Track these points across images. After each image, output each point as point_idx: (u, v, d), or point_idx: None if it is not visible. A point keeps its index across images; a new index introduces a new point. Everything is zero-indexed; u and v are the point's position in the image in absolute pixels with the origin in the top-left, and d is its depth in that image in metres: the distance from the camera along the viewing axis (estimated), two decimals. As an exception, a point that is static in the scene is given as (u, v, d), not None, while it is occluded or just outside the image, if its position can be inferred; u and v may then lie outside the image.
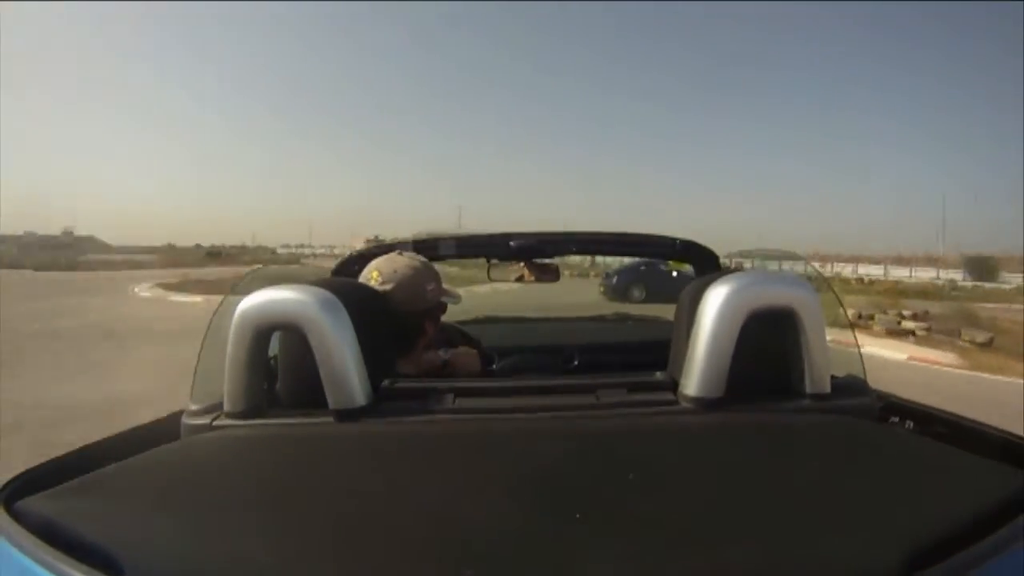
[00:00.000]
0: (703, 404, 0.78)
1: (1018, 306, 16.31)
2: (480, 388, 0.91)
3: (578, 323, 2.70)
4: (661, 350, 0.93)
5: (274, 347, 0.86)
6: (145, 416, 0.97)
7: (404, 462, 0.68)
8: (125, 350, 7.45)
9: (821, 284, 1.19)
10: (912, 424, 0.98)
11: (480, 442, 0.73)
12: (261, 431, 0.80)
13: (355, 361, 0.79)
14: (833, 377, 0.82)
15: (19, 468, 0.73)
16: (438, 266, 1.27)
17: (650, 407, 0.81)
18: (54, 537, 0.52)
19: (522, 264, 1.46)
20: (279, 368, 0.87)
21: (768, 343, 0.81)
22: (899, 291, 18.02)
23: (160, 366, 6.00)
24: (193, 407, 0.87)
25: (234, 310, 0.82)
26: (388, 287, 1.10)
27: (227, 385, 0.82)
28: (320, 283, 0.85)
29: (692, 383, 0.78)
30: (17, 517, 0.57)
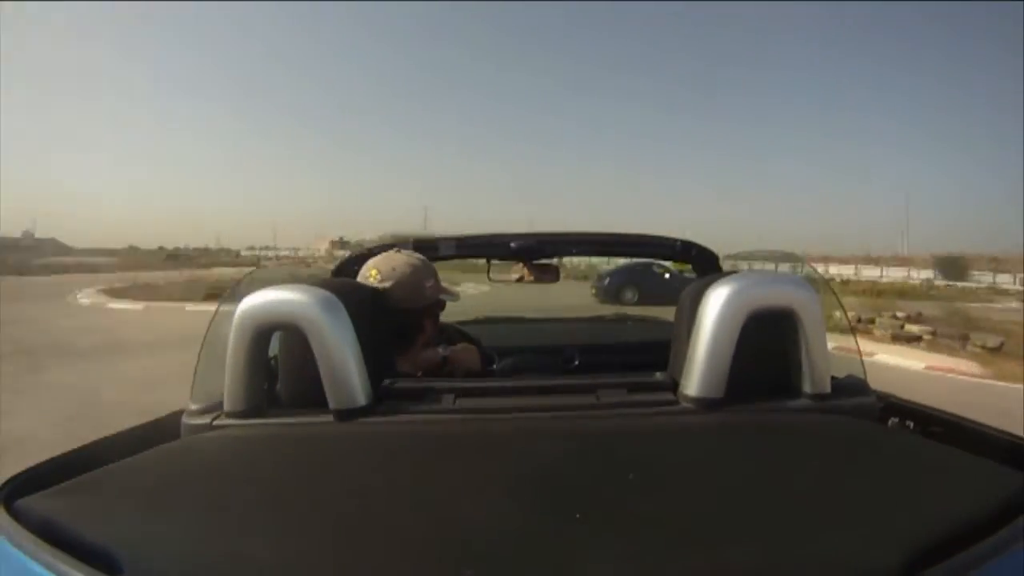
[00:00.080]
0: (703, 404, 0.78)
1: (998, 304, 15.99)
2: (480, 388, 0.92)
3: (578, 323, 2.71)
4: (661, 350, 0.93)
5: (274, 347, 0.85)
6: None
7: (404, 462, 0.68)
8: (36, 372, 6.45)
9: (820, 286, 1.14)
10: (912, 424, 0.96)
11: (480, 442, 0.73)
12: (261, 431, 0.80)
13: (355, 361, 0.79)
14: (833, 378, 0.83)
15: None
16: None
17: (650, 407, 0.81)
18: (53, 536, 0.52)
19: (522, 265, 1.43)
20: (279, 368, 0.86)
21: (768, 343, 0.81)
22: (877, 291, 17.86)
23: (63, 395, 5.18)
24: (193, 407, 0.86)
25: (235, 310, 0.81)
26: (387, 285, 1.10)
27: (227, 385, 0.82)
28: (320, 283, 0.85)
29: (692, 383, 0.79)
30: (16, 516, 0.57)
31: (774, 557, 0.48)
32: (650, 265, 14.72)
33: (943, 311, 10.77)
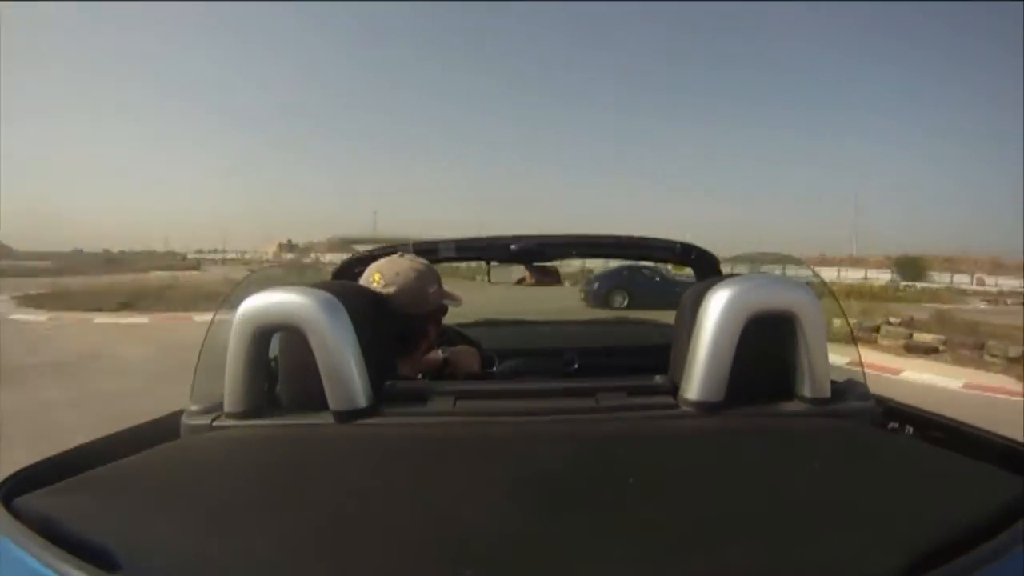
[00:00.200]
0: (703, 408, 0.79)
1: (967, 305, 15.44)
2: (480, 391, 0.93)
3: (578, 326, 2.74)
4: (661, 354, 0.94)
5: (274, 348, 0.87)
6: None
7: (404, 463, 0.69)
8: None
9: (821, 290, 1.14)
10: (912, 429, 0.97)
11: (480, 444, 0.74)
12: (261, 431, 0.81)
13: (356, 362, 0.80)
14: (833, 381, 0.84)
15: None
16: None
17: (650, 411, 0.82)
18: (53, 534, 0.53)
19: (523, 267, 1.44)
20: (279, 369, 0.87)
21: (768, 347, 0.82)
22: (846, 293, 17.11)
23: None
24: (193, 407, 0.87)
25: (235, 311, 0.83)
26: (391, 290, 1.11)
27: (227, 385, 0.82)
28: (321, 285, 0.86)
29: (692, 387, 0.80)
30: (16, 514, 0.58)
31: (774, 561, 0.48)
32: (640, 268, 14.42)
33: (931, 315, 10.47)
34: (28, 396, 5.50)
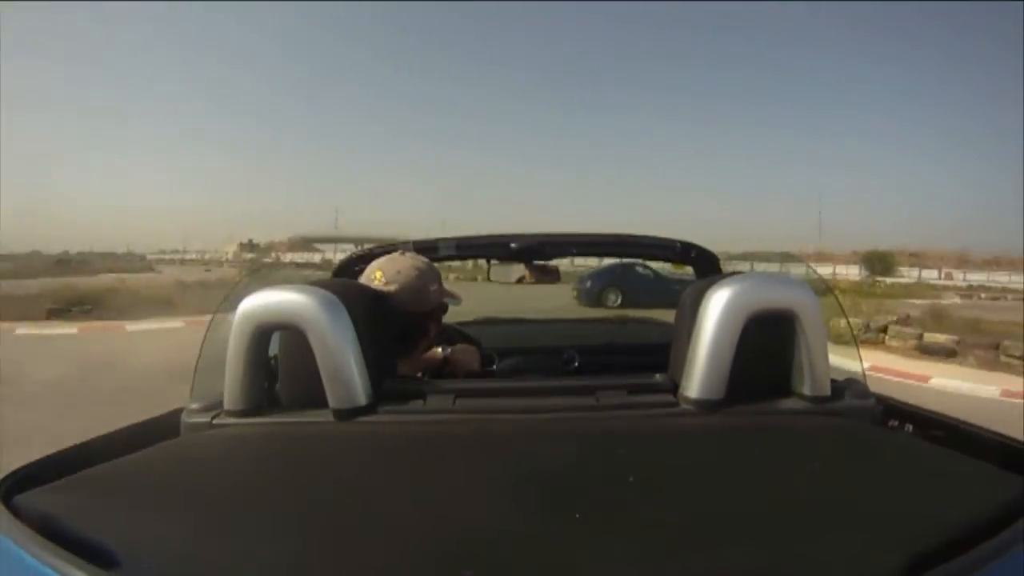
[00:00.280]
0: (703, 406, 0.80)
1: (947, 301, 15.21)
2: (480, 389, 0.94)
3: (578, 324, 2.76)
4: (661, 352, 0.95)
5: (274, 347, 0.87)
6: None
7: (404, 462, 0.70)
8: None
9: (822, 288, 1.14)
10: (911, 427, 0.97)
11: (480, 443, 0.75)
12: (261, 429, 0.81)
13: (356, 361, 0.81)
14: (833, 380, 0.85)
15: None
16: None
17: (650, 409, 0.83)
18: (52, 532, 0.53)
19: (523, 266, 1.45)
20: (279, 367, 0.88)
21: (768, 345, 0.83)
22: (822, 290, 16.43)
23: None
24: (193, 405, 0.88)
25: (235, 309, 0.83)
26: (392, 288, 1.11)
27: (227, 383, 0.83)
28: (321, 284, 0.87)
29: (692, 385, 0.80)
30: (15, 512, 0.58)
31: (774, 559, 0.49)
32: (633, 266, 14.16)
33: (924, 312, 10.13)
34: None
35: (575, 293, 13.87)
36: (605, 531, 0.53)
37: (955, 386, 6.20)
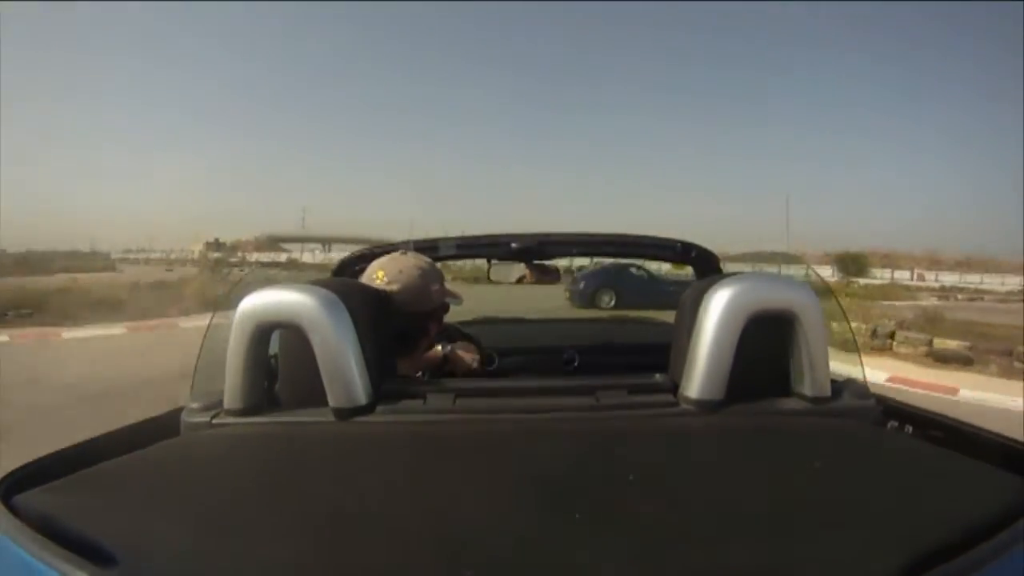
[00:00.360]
0: (703, 406, 0.80)
1: (925, 302, 15.14)
2: (480, 388, 0.95)
3: (578, 324, 2.80)
4: (661, 352, 0.95)
5: (274, 346, 0.88)
6: None
7: (404, 461, 0.71)
8: None
9: (824, 293, 1.16)
10: (911, 428, 0.97)
11: (480, 442, 0.75)
12: (261, 429, 0.81)
13: (356, 360, 0.81)
14: (833, 381, 0.85)
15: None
16: None
17: (650, 409, 0.83)
18: (52, 531, 0.53)
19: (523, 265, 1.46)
20: (279, 366, 0.89)
21: (769, 346, 0.84)
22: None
23: None
24: (193, 404, 0.88)
25: (235, 308, 0.84)
26: (394, 287, 1.11)
27: (227, 382, 0.83)
28: (321, 283, 0.87)
29: (692, 385, 0.81)
30: (15, 511, 0.58)
31: (774, 559, 0.49)
32: (627, 267, 13.96)
33: (917, 315, 9.79)
34: None
35: (568, 294, 13.48)
36: (605, 531, 0.53)
37: (988, 399, 5.69)
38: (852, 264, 32.30)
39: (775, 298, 0.81)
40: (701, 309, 0.82)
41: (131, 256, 56.98)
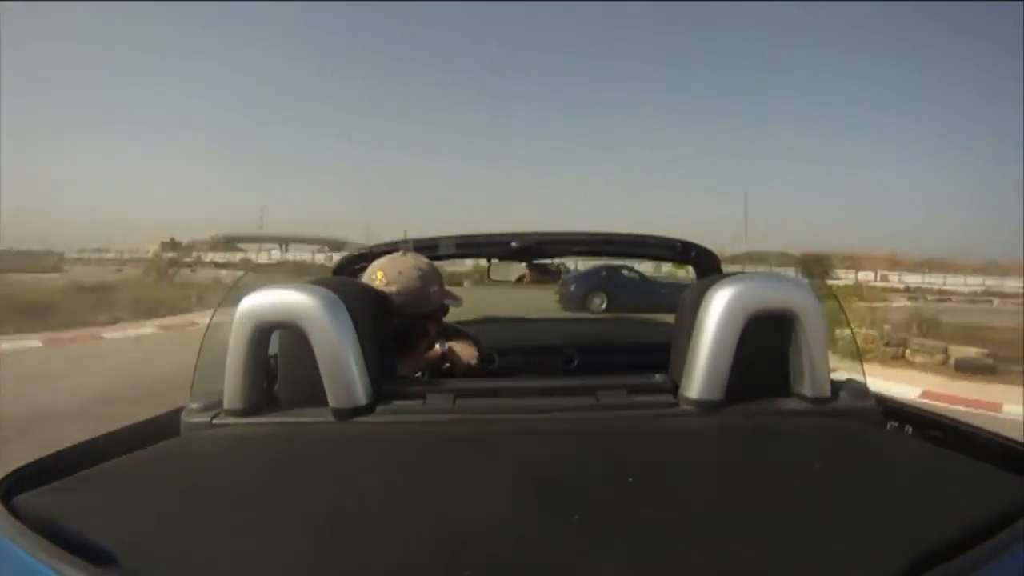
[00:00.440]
0: (703, 406, 0.80)
1: (899, 304, 14.60)
2: (480, 389, 0.94)
3: (578, 324, 2.87)
4: (661, 352, 0.95)
5: (274, 346, 0.87)
6: None
7: (404, 462, 0.70)
8: None
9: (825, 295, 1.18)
10: (911, 428, 0.97)
11: (480, 443, 0.75)
12: (261, 429, 0.81)
13: (356, 360, 0.81)
14: (833, 381, 0.85)
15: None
16: None
17: (650, 409, 0.83)
18: (51, 532, 0.53)
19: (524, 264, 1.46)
20: (279, 366, 0.88)
21: (769, 346, 0.83)
22: None
23: None
24: (193, 404, 0.87)
25: (235, 308, 0.83)
26: (393, 288, 1.10)
27: (227, 383, 0.83)
28: (321, 283, 0.87)
29: (692, 385, 0.81)
30: (15, 512, 0.58)
31: (774, 560, 0.49)
32: (619, 268, 13.62)
33: (909, 318, 9.50)
34: None
35: (558, 297, 13.00)
36: (605, 531, 0.53)
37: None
38: (817, 265, 32.32)
39: (775, 298, 0.81)
40: (701, 309, 0.81)
41: (85, 256, 54.47)
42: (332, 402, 0.79)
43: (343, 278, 1.21)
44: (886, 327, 8.20)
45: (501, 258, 1.44)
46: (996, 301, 21.98)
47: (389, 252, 1.20)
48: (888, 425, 0.95)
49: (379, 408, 0.81)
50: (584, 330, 2.56)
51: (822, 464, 0.65)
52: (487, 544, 0.51)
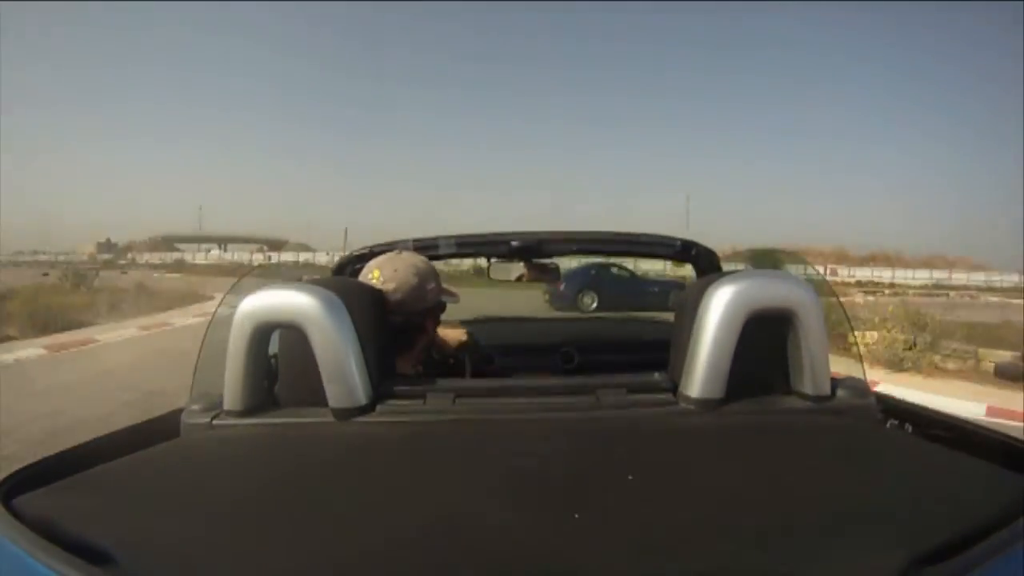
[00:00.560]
0: (703, 405, 0.79)
1: (859, 299, 13.79)
2: (479, 388, 0.93)
3: (578, 323, 2.77)
4: (661, 350, 0.93)
5: (274, 346, 0.86)
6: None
7: (403, 461, 0.70)
8: None
9: (826, 293, 1.14)
10: (911, 427, 0.95)
11: (479, 442, 0.75)
12: (261, 429, 0.80)
13: (355, 360, 0.80)
14: (833, 379, 0.84)
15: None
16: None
17: (650, 408, 0.82)
18: (52, 533, 0.53)
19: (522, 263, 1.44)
20: (279, 366, 0.87)
21: (768, 344, 0.82)
22: None
23: None
24: (193, 405, 0.86)
25: (235, 308, 0.82)
26: (390, 287, 1.08)
27: (227, 383, 0.81)
28: (321, 282, 0.86)
29: (692, 384, 0.80)
30: (15, 513, 0.58)
31: (774, 558, 0.48)
32: (608, 267, 13.31)
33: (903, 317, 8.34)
34: None
35: (547, 297, 12.58)
36: (604, 530, 0.53)
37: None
38: (767, 260, 32.15)
39: (775, 296, 0.80)
40: (701, 307, 0.81)
41: (22, 258, 50.90)
42: (332, 402, 0.79)
43: (342, 278, 1.21)
44: (889, 331, 7.24)
45: (500, 257, 1.42)
46: (952, 294, 21.84)
47: (387, 252, 1.19)
48: (888, 423, 0.94)
49: (379, 408, 0.80)
50: (583, 329, 2.47)
51: (822, 462, 0.66)
52: (488, 544, 0.51)
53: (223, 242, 54.64)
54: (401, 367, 1.09)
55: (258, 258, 46.01)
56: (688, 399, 0.79)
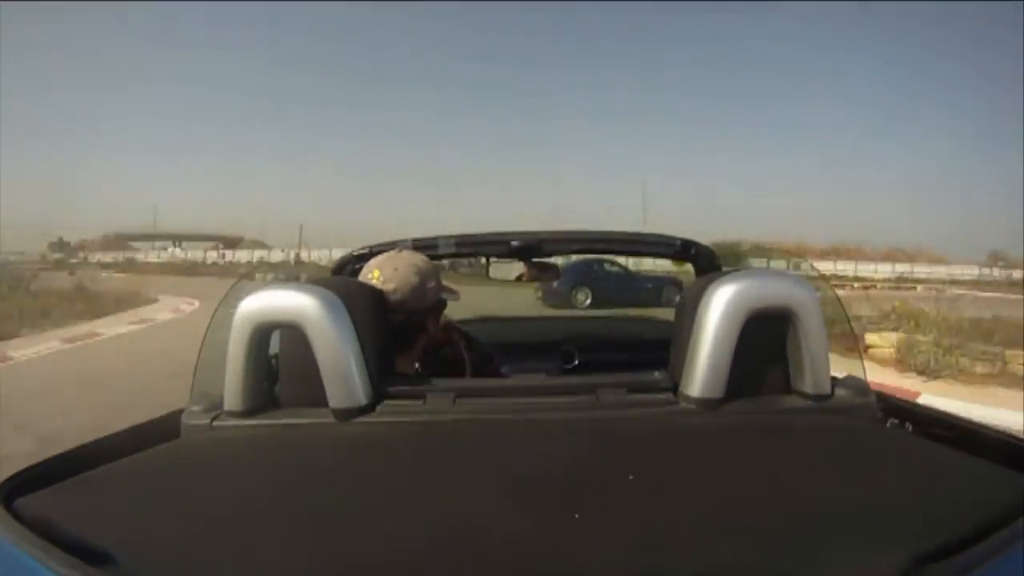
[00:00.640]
0: (703, 404, 0.79)
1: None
2: (480, 388, 0.93)
3: (578, 322, 2.72)
4: (661, 349, 0.93)
5: (274, 346, 0.86)
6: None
7: (404, 462, 0.70)
8: None
9: (826, 294, 1.11)
10: (912, 426, 0.94)
11: (480, 442, 0.74)
12: (261, 430, 0.79)
13: (356, 360, 0.79)
14: (833, 378, 0.84)
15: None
16: None
17: (650, 407, 0.82)
18: (52, 534, 0.53)
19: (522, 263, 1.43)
20: (279, 367, 0.87)
21: (769, 343, 0.82)
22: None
23: None
24: (193, 406, 0.85)
25: (235, 309, 0.81)
26: (390, 286, 1.06)
27: (227, 384, 0.81)
28: (321, 282, 0.86)
29: (692, 383, 0.79)
30: (16, 514, 0.57)
31: (774, 557, 0.48)
32: (602, 263, 13.19)
33: (895, 313, 8.15)
34: None
35: (539, 293, 12.09)
36: (604, 530, 0.53)
37: None
38: (730, 254, 32.25)
39: (775, 295, 0.80)
40: (701, 306, 0.80)
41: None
42: (332, 402, 0.79)
43: (342, 278, 1.21)
44: (893, 332, 6.78)
45: (500, 256, 1.40)
46: (919, 288, 21.81)
47: (386, 251, 1.18)
48: (888, 422, 0.93)
49: (379, 408, 0.80)
50: (582, 328, 2.41)
51: (822, 461, 0.66)
52: (488, 543, 0.51)
53: (178, 239, 53.48)
54: (401, 366, 1.08)
55: (212, 256, 44.77)
56: (688, 398, 0.79)
